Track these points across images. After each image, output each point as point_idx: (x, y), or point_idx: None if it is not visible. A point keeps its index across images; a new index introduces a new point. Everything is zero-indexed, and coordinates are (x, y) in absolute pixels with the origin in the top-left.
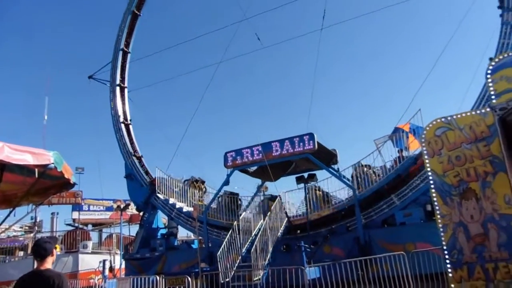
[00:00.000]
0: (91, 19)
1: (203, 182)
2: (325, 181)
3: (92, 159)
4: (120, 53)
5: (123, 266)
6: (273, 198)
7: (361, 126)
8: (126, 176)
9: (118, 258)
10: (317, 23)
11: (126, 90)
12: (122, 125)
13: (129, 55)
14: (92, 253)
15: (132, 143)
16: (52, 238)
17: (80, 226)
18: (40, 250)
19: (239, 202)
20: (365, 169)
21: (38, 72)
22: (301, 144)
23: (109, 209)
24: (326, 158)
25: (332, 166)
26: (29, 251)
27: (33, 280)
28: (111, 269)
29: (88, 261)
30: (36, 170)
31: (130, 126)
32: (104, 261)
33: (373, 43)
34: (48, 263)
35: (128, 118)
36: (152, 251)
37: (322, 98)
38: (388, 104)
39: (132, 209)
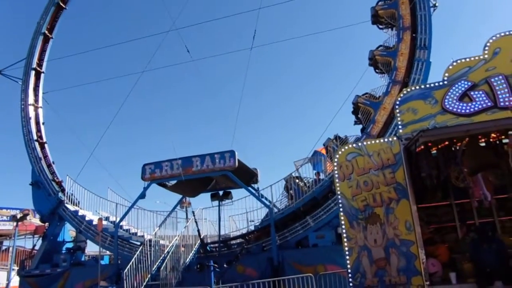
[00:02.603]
0: (6, 14)
1: None
2: (244, 199)
3: None
4: (41, 38)
5: (14, 283)
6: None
7: (286, 149)
8: (32, 183)
9: (13, 274)
10: (249, 42)
11: (41, 89)
12: (33, 127)
13: (50, 42)
14: None
15: (42, 147)
16: None
17: None
18: None
19: None
20: (297, 181)
21: None
22: (222, 161)
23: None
24: (246, 176)
25: (252, 185)
26: None
27: None
28: None
29: None
30: None
31: (42, 129)
32: None
33: (304, 68)
34: None
35: (41, 120)
36: (54, 266)
37: (250, 119)
38: (315, 128)
39: (31, 219)
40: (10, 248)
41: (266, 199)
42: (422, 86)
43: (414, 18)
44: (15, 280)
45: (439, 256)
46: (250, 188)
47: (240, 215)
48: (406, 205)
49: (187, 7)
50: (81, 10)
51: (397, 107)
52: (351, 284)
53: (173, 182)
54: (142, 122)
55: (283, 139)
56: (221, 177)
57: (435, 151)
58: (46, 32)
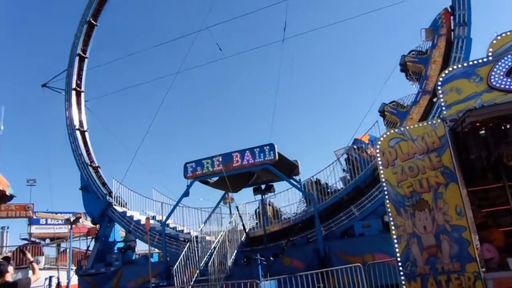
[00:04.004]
0: (46, 27)
1: None
2: (286, 192)
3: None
4: (76, 58)
5: (74, 282)
6: None
7: (325, 139)
8: (82, 188)
9: (72, 273)
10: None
11: (82, 97)
12: (78, 134)
13: (86, 61)
14: (46, 269)
15: (88, 153)
16: (6, 258)
17: (37, 240)
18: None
19: None
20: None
21: None
22: (262, 155)
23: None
24: (287, 169)
25: (294, 177)
26: None
27: None
28: (59, 286)
29: (40, 278)
30: None
31: (87, 136)
32: (50, 277)
33: (338, 55)
34: (8, 277)
35: (85, 127)
36: (108, 266)
37: (286, 112)
38: (353, 116)
39: (83, 222)
40: (67, 250)
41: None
42: (465, 64)
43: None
44: (74, 278)
45: (495, 241)
46: (291, 180)
47: (283, 207)
48: (455, 189)
49: (215, 5)
50: (110, 22)
51: (439, 87)
52: (401, 273)
53: (215, 178)
54: (180, 123)
55: (321, 129)
56: (262, 171)
57: (483, 131)
58: (91, 20)
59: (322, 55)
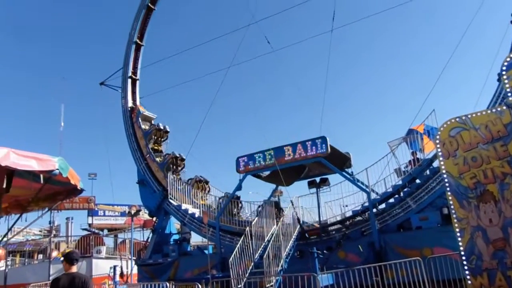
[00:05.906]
0: (103, 29)
1: (206, 182)
2: (339, 185)
3: (106, 165)
4: (133, 46)
5: (134, 271)
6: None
7: (377, 131)
8: (139, 182)
9: (131, 263)
10: (327, 26)
11: (137, 94)
12: (135, 130)
13: (142, 48)
14: (106, 258)
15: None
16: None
17: (97, 231)
18: (74, 258)
19: (240, 205)
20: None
21: (48, 80)
22: (314, 148)
23: (124, 214)
24: (339, 161)
25: (346, 169)
26: (48, 254)
27: (69, 280)
28: (122, 274)
29: (102, 266)
30: (42, 175)
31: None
32: (115, 266)
33: (386, 47)
34: (75, 268)
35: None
36: (165, 256)
37: (336, 104)
38: (403, 107)
39: (143, 215)
40: (127, 240)
41: (362, 183)
42: None
43: None
44: (134, 268)
45: None
46: (344, 172)
47: (335, 200)
48: None
49: None
50: (160, 19)
51: (504, 72)
52: (466, 267)
53: (267, 172)
54: (232, 119)
55: (373, 119)
56: (313, 164)
57: None
58: (137, 40)
59: (377, 48)
